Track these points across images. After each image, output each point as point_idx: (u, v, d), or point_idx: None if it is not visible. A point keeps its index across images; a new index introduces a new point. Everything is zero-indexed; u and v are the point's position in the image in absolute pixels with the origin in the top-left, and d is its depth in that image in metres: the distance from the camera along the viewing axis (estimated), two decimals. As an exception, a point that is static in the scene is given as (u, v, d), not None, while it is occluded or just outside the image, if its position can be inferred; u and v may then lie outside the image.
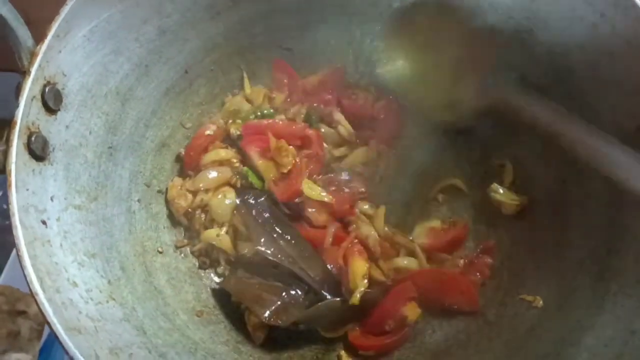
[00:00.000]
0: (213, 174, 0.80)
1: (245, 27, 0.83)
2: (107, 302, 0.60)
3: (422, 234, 0.81)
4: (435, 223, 0.82)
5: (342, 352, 0.74)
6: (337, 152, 0.84)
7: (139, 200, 0.75)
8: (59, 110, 0.61)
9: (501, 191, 0.79)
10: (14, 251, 0.81)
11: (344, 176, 0.82)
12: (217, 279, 0.80)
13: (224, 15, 0.80)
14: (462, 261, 0.78)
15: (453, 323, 0.75)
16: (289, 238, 0.76)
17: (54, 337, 0.81)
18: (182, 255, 0.79)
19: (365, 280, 0.73)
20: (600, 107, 0.68)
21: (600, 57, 0.66)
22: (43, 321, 0.77)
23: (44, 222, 0.56)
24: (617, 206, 0.66)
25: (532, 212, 0.77)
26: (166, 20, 0.74)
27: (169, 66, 0.78)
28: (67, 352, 0.48)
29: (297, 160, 0.80)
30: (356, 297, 0.71)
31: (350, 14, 0.84)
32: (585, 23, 0.66)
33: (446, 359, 0.71)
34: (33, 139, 0.56)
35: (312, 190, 0.78)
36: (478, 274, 0.77)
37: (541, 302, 0.70)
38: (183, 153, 0.82)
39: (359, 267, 0.74)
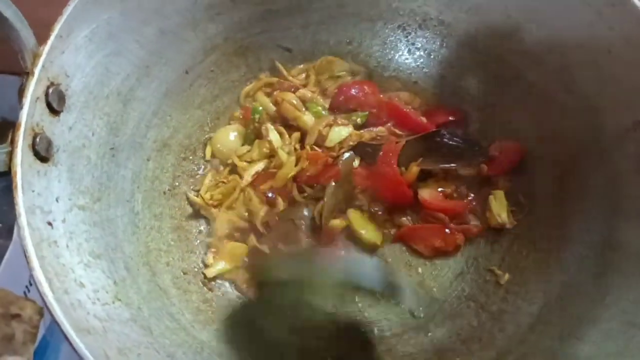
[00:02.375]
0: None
1: (245, 28, 0.83)
2: (114, 302, 0.60)
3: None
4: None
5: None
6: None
7: (141, 201, 0.75)
8: (62, 111, 0.61)
9: (500, 204, 0.79)
10: (7, 254, 0.82)
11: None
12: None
13: (223, 16, 0.80)
14: None
15: (456, 319, 0.75)
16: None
17: (47, 341, 0.82)
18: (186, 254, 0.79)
19: None
20: (600, 104, 0.69)
21: (598, 55, 0.67)
22: (37, 324, 0.77)
23: (49, 224, 0.56)
24: (616, 201, 0.67)
25: (532, 208, 0.78)
26: (166, 21, 0.74)
27: (169, 67, 0.78)
28: (77, 353, 0.48)
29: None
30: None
31: (349, 14, 0.85)
32: (583, 22, 0.67)
33: (450, 354, 0.71)
34: (38, 140, 0.56)
35: None
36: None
37: (507, 276, 0.74)
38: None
39: None
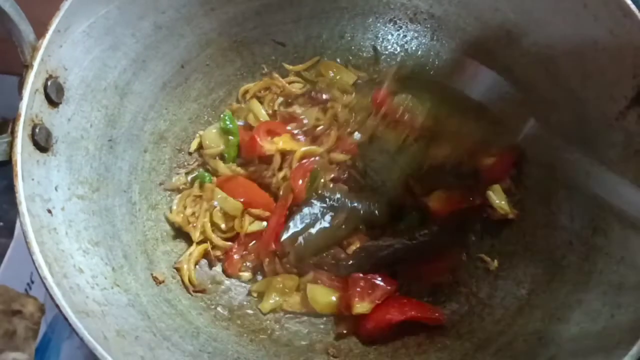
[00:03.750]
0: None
1: (239, 23, 0.85)
2: (112, 288, 0.62)
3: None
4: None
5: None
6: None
7: (138, 192, 0.76)
8: (60, 103, 0.63)
9: (499, 197, 0.80)
10: (8, 252, 0.83)
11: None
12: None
13: (218, 11, 0.82)
14: None
15: (446, 305, 0.77)
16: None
17: (48, 338, 0.83)
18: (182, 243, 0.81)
19: None
20: (585, 95, 0.70)
21: (584, 46, 0.68)
22: (38, 320, 0.78)
23: (49, 211, 0.58)
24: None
25: (522, 197, 0.80)
26: (162, 16, 0.76)
27: (165, 61, 0.80)
28: (77, 334, 0.50)
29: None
30: None
31: (342, 8, 0.87)
32: (569, 14, 0.68)
33: (440, 338, 0.73)
34: (37, 130, 0.58)
35: None
36: None
37: (496, 263, 0.76)
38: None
39: None
